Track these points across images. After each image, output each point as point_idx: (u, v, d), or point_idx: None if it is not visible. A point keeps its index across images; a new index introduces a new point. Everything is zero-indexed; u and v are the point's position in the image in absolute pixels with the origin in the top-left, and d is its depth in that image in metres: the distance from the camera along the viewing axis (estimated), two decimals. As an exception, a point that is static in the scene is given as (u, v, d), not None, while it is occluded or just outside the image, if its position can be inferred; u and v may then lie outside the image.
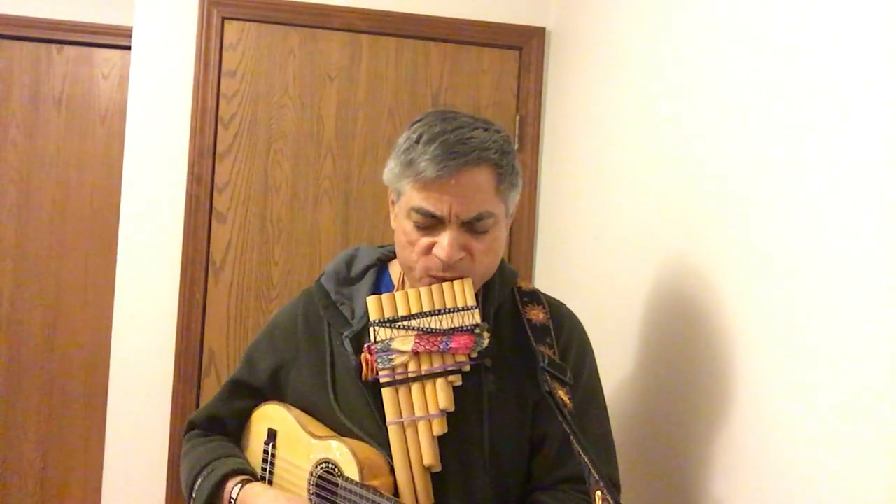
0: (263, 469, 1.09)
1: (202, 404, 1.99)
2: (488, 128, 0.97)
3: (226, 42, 2.04)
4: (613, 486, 1.02)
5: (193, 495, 1.05)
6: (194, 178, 2.01)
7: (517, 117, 2.12)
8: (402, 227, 1.00)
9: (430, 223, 0.96)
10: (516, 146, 2.09)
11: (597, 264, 1.63)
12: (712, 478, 1.08)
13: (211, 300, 2.03)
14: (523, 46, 2.13)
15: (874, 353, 0.76)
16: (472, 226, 0.96)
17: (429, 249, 0.97)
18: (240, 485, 1.02)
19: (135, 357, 2.00)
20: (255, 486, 1.03)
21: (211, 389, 2.02)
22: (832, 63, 0.86)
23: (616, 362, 1.41)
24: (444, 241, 0.95)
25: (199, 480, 1.04)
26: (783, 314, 0.93)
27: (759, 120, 1.01)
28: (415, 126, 0.98)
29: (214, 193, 2.03)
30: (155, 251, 2.01)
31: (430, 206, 0.94)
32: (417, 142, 0.95)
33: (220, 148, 2.04)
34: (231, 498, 1.01)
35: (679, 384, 1.20)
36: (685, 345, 1.19)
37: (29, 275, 2.46)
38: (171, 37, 2.02)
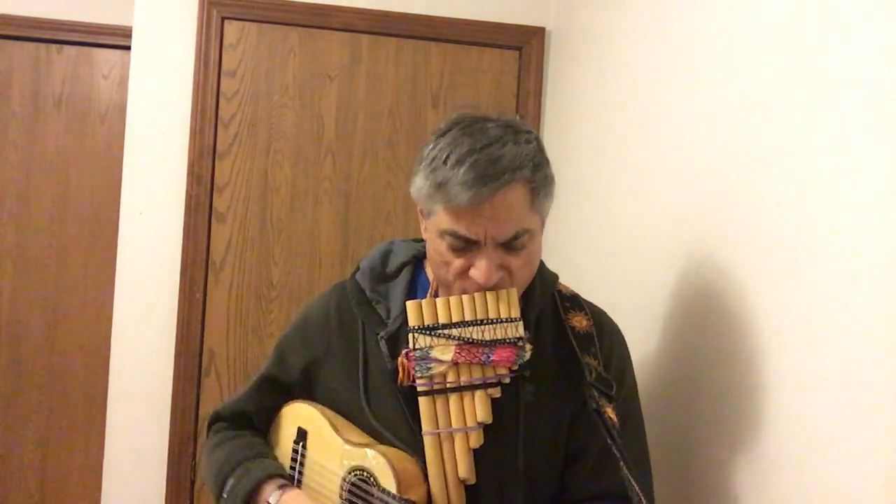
0: (292, 468, 1.07)
1: (202, 404, 2.01)
2: (518, 140, 0.92)
3: (226, 42, 2.04)
4: (650, 501, 1.00)
5: (224, 496, 1.01)
6: (194, 178, 2.01)
7: (516, 117, 2.11)
8: (434, 245, 0.96)
9: (465, 245, 0.92)
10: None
11: (598, 265, 1.63)
12: (725, 476, 1.07)
13: (211, 300, 2.03)
14: (523, 46, 2.13)
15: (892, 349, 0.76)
16: (509, 244, 0.93)
17: (464, 271, 0.94)
18: (279, 490, 0.99)
19: (135, 357, 2.00)
20: (294, 494, 0.99)
21: (211, 389, 2.02)
22: (834, 58, 0.86)
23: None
24: (481, 266, 0.92)
25: (231, 481, 1.01)
26: (794, 309, 0.93)
27: (760, 118, 1.01)
28: (441, 141, 0.93)
29: (214, 193, 2.03)
30: (155, 251, 2.01)
31: (463, 231, 0.91)
32: (445, 162, 0.90)
33: (220, 148, 2.04)
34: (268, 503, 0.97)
35: (687, 384, 1.20)
36: (690, 345, 1.19)
37: (29, 275, 2.46)
38: (171, 37, 2.02)
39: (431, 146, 0.94)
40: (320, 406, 1.06)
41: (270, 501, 0.97)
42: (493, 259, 0.92)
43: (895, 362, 0.74)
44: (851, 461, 0.79)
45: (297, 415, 1.09)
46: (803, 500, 0.87)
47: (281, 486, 1.00)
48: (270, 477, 1.01)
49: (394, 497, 0.91)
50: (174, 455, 1.99)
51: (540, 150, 0.96)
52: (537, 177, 0.93)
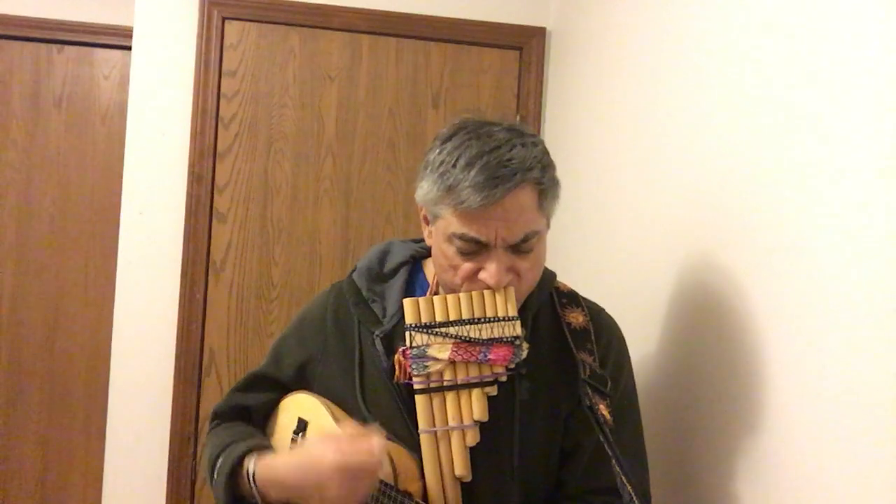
0: None
1: (202, 404, 2.01)
2: (525, 141, 0.93)
3: (226, 42, 2.04)
4: (645, 498, 1.00)
5: (215, 476, 1.01)
6: (194, 178, 2.01)
7: (517, 117, 2.12)
8: (441, 250, 0.97)
9: (475, 248, 0.93)
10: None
11: (598, 265, 1.63)
12: (725, 476, 1.08)
13: (211, 300, 2.03)
14: (523, 46, 2.13)
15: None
16: (518, 247, 0.93)
17: (473, 274, 0.94)
18: (256, 457, 0.97)
19: (135, 357, 2.00)
20: (268, 455, 0.98)
21: (211, 389, 2.02)
22: (834, 57, 0.86)
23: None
24: (491, 269, 0.93)
25: (220, 462, 1.01)
26: (794, 309, 0.93)
27: (761, 117, 1.01)
28: (447, 145, 0.93)
29: (215, 193, 2.03)
30: (155, 251, 2.01)
31: (474, 234, 0.91)
32: (454, 165, 0.90)
33: (220, 148, 2.04)
34: (248, 471, 0.96)
35: (686, 384, 1.20)
36: (689, 345, 1.19)
37: (29, 275, 2.46)
38: (171, 37, 2.02)
39: (437, 151, 0.94)
40: (321, 397, 1.07)
41: (249, 469, 0.96)
42: (503, 261, 0.93)
43: (895, 362, 0.74)
44: (852, 461, 0.79)
45: (298, 405, 1.09)
46: (803, 500, 0.87)
47: (259, 456, 0.98)
48: (252, 450, 0.99)
49: (391, 488, 0.91)
50: (174, 455, 1.99)
51: (546, 152, 0.96)
52: (546, 178, 0.94)
